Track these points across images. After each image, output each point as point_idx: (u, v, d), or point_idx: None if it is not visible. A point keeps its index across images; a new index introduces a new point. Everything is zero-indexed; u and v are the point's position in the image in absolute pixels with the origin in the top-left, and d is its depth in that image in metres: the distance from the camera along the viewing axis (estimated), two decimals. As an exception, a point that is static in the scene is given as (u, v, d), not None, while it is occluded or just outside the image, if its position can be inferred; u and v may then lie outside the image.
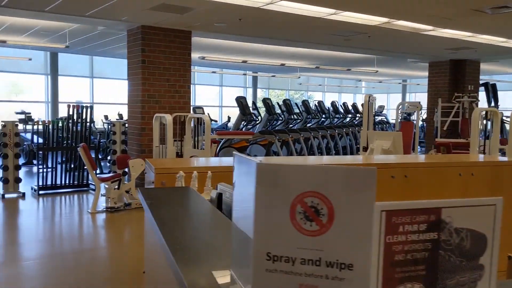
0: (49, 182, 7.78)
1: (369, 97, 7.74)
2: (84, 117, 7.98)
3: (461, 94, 12.01)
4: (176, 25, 8.37)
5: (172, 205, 1.99)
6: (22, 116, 13.96)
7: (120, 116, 12.67)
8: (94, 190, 8.00)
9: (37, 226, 5.89)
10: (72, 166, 8.02)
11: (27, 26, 9.50)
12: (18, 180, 7.42)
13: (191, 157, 6.66)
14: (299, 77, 19.88)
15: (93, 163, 6.42)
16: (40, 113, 15.52)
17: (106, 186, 6.49)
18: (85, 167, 8.06)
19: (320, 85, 23.91)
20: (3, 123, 7.35)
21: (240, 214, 0.86)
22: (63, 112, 16.03)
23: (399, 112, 16.53)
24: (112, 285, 4.00)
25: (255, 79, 21.00)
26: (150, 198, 2.06)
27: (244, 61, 12.06)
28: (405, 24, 8.20)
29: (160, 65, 8.56)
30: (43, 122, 7.77)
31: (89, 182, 8.24)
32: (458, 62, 12.78)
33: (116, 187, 6.46)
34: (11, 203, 7.07)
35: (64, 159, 8.26)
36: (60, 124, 7.88)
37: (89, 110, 7.99)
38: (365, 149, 7.10)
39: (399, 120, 9.42)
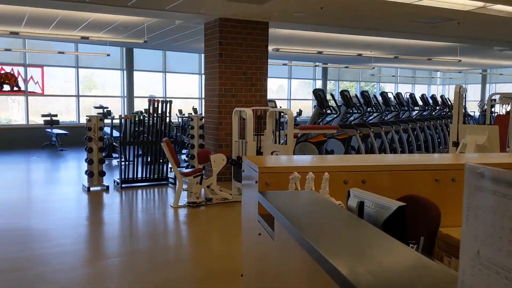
0: (130, 176, 7.90)
1: (459, 88, 7.15)
2: (163, 111, 8.01)
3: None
4: (253, 16, 8.19)
5: (310, 215, 1.75)
6: (100, 110, 14.48)
7: (195, 110, 12.75)
8: (173, 184, 8.04)
9: (122, 221, 5.94)
10: (150, 159, 8.09)
11: (108, 22, 9.71)
12: (102, 174, 7.58)
13: (272, 152, 6.46)
14: (373, 68, 19.18)
15: (176, 158, 6.40)
16: (116, 107, 16.03)
17: (188, 180, 6.45)
18: (164, 161, 8.12)
19: (393, 76, 22.97)
20: (88, 117, 7.52)
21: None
22: (138, 106, 16.46)
23: (482, 105, 15.52)
24: (206, 285, 3.88)
25: (325, 71, 20.52)
26: (278, 203, 1.84)
27: (320, 52, 11.70)
28: (502, 9, 7.50)
29: (237, 58, 8.42)
30: (125, 116, 7.88)
31: (168, 176, 8.29)
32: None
33: (198, 181, 6.40)
34: (96, 196, 7.23)
35: (140, 152, 8.37)
36: (141, 118, 7.97)
37: (168, 104, 8.01)
38: (455, 144, 6.57)
39: (491, 114, 8.69)
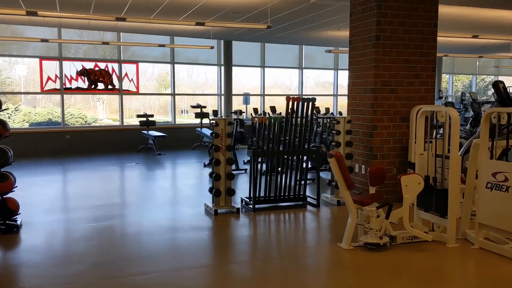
0: (261, 194, 6.16)
1: None
2: (306, 113, 6.18)
3: None
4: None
5: None
6: (198, 110, 13.04)
7: (327, 110, 10.81)
8: (314, 205, 6.22)
9: (281, 273, 4.14)
10: (286, 173, 6.30)
11: (223, 4, 8.09)
12: (231, 192, 5.91)
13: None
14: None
15: (350, 179, 4.52)
16: (212, 105, 14.56)
17: (363, 211, 4.56)
18: (301, 176, 6.31)
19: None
20: (214, 121, 5.86)
21: None
22: (235, 105, 14.91)
23: None
24: None
25: (439, 61, 17.88)
26: None
27: (475, 36, 9.38)
28: None
29: (399, 41, 6.41)
30: (259, 119, 6.12)
31: (306, 194, 6.47)
32: None
33: (379, 215, 4.48)
34: (225, 223, 5.56)
35: (273, 164, 6.59)
36: (280, 122, 6.18)
37: (310, 104, 6.17)
38: None
39: None
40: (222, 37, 13.02)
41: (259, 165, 6.19)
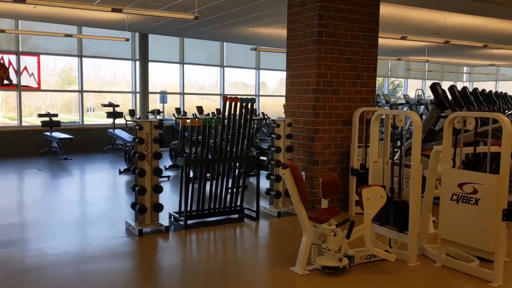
0: (193, 207, 5.36)
1: None
2: (246, 114, 5.48)
3: None
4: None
5: None
6: (110, 109, 11.80)
7: (218, 111, 10.14)
8: (253, 218, 5.56)
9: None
10: (221, 182, 5.56)
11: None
12: (158, 208, 5.04)
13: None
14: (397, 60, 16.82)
15: (306, 194, 3.89)
16: (124, 104, 13.34)
17: (319, 229, 3.96)
18: (239, 186, 5.60)
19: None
20: (137, 124, 4.94)
21: None
22: (152, 104, 13.83)
23: None
24: None
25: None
26: None
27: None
28: None
29: (341, 39, 5.94)
30: (191, 121, 5.28)
31: (244, 206, 5.78)
32: None
33: (336, 234, 3.91)
34: (152, 246, 4.69)
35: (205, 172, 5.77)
36: (215, 125, 5.39)
37: (250, 105, 5.48)
38: None
39: None
40: (137, 29, 11.91)
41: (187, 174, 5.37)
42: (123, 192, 7.43)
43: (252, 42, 13.56)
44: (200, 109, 11.44)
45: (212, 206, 5.53)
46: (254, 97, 5.69)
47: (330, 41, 5.86)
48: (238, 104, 5.44)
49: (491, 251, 3.72)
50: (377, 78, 6.56)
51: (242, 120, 5.48)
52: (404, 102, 16.99)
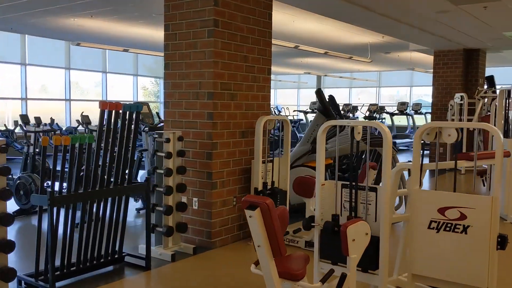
0: (56, 260, 3.60)
1: None
2: (130, 126, 3.93)
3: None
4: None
5: None
6: None
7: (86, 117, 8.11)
8: (141, 268, 4.08)
9: None
10: (95, 224, 3.91)
11: None
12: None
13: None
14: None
15: (282, 242, 2.68)
16: None
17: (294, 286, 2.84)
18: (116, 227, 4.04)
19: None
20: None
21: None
22: None
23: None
24: None
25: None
26: None
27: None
28: None
29: (237, 32, 4.88)
30: (55, 138, 3.47)
31: (123, 251, 4.22)
32: None
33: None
34: None
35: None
36: (88, 143, 3.67)
37: (134, 116, 3.96)
38: None
39: None
40: None
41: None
42: None
43: (73, 38, 11.35)
44: (86, 118, 8.82)
45: (83, 258, 3.84)
46: (139, 103, 4.16)
47: (227, 33, 4.73)
48: (121, 112, 3.88)
49: (484, 287, 3.15)
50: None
51: (125, 135, 3.94)
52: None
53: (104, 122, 3.80)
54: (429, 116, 17.73)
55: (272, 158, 5.11)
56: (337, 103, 7.02)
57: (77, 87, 14.23)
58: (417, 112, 16.05)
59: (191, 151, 4.80)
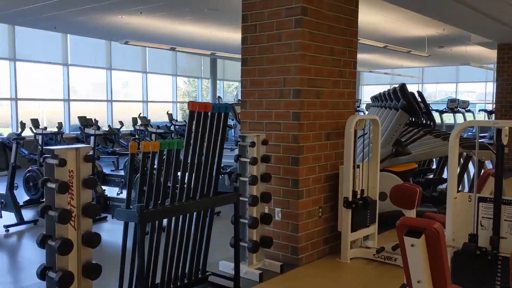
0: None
1: None
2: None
3: None
4: None
5: None
6: None
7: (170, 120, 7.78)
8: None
9: None
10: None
11: None
12: None
13: None
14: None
15: (447, 278, 2.14)
16: None
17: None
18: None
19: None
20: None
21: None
22: None
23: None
24: None
25: (213, 63, 16.65)
26: None
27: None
28: None
29: (324, 21, 4.32)
30: (144, 144, 2.99)
31: (210, 272, 3.72)
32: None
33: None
34: None
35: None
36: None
37: (223, 116, 3.48)
38: None
39: None
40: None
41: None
42: None
43: (118, 37, 11.01)
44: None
45: (166, 279, 3.37)
46: (228, 103, 3.67)
47: (315, 23, 4.20)
48: (209, 114, 3.38)
49: None
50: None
51: (213, 138, 3.45)
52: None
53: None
54: (478, 114, 16.88)
55: (358, 164, 4.56)
56: (426, 100, 6.42)
57: (103, 87, 13.77)
58: (464, 110, 15.25)
59: (273, 155, 4.28)
